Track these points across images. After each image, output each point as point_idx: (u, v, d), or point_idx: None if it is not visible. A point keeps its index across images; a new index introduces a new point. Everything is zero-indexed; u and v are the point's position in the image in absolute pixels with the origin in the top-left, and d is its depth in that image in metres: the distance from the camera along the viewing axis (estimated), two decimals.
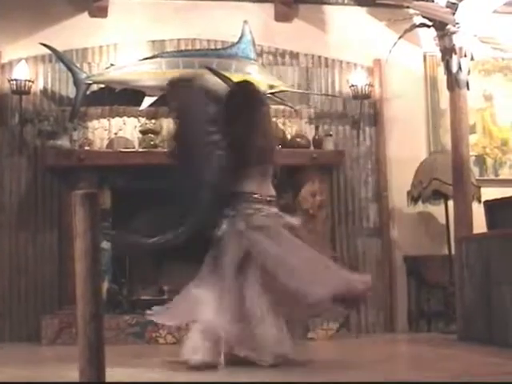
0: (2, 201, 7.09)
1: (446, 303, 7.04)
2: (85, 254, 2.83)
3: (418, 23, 6.63)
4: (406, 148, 7.62)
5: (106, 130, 7.29)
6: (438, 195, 7.19)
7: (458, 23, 6.23)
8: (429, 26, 6.47)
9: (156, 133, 7.21)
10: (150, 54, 7.36)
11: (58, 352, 5.94)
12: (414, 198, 7.28)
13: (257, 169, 4.94)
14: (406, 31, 6.62)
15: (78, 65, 7.25)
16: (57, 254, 7.01)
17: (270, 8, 7.74)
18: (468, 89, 6.36)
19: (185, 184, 4.89)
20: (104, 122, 7.30)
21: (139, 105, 7.20)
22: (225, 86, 6.37)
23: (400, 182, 7.47)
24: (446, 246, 7.08)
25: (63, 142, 6.95)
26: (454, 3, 6.25)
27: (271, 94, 7.27)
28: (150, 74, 7.21)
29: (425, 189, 7.12)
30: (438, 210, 7.46)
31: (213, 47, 7.52)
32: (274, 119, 7.41)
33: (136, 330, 6.54)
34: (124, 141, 7.18)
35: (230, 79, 7.07)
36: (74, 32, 7.36)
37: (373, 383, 3.95)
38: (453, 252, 6.64)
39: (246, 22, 7.39)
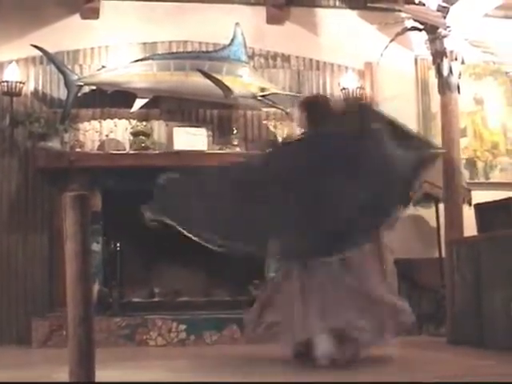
0: None
1: (437, 306, 7.04)
2: (75, 256, 2.83)
3: (409, 26, 6.64)
4: None
5: (97, 131, 7.29)
6: (429, 198, 7.19)
7: (448, 27, 6.25)
8: (420, 30, 6.48)
9: (147, 135, 7.20)
10: (141, 56, 7.36)
11: (49, 354, 5.92)
12: None
13: None
14: (397, 34, 6.64)
15: (70, 66, 7.25)
16: (47, 256, 6.99)
17: (261, 11, 7.75)
18: (459, 92, 6.38)
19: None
20: (95, 123, 7.31)
21: (130, 107, 7.21)
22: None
23: None
24: (437, 249, 7.09)
25: (54, 143, 6.95)
26: (445, 7, 6.26)
27: (262, 96, 7.28)
28: (142, 75, 7.22)
29: (415, 192, 7.11)
30: (428, 213, 7.47)
31: (204, 49, 7.53)
32: (264, 122, 7.48)
33: (126, 332, 6.53)
34: (115, 143, 7.19)
35: (221, 81, 7.09)
36: (66, 34, 7.36)
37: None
38: (443, 255, 6.65)
39: (237, 24, 7.39)
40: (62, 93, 7.24)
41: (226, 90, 7.13)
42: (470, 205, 6.92)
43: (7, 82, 6.99)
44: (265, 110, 7.49)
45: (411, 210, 7.42)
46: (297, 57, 7.73)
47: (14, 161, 7.15)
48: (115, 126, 7.32)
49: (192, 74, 7.20)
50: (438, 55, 6.34)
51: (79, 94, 7.20)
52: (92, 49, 7.42)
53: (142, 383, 4.13)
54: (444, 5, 6.26)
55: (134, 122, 7.28)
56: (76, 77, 7.18)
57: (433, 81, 6.96)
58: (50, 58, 7.16)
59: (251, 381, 4.03)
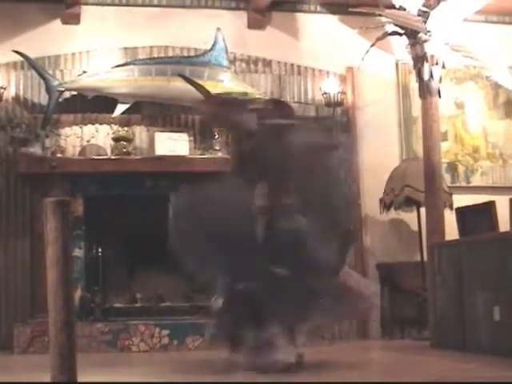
0: None
1: (419, 310, 7.06)
2: (56, 261, 2.82)
3: (390, 31, 6.66)
4: (379, 155, 7.63)
5: (78, 137, 7.27)
6: (411, 202, 7.22)
7: (429, 31, 6.27)
8: (401, 34, 6.50)
9: (128, 140, 7.19)
10: (122, 61, 7.34)
11: (31, 360, 5.90)
12: (386, 205, 7.30)
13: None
14: (378, 39, 6.65)
15: (51, 72, 7.22)
16: (29, 262, 6.96)
17: (243, 16, 7.75)
18: (440, 96, 6.40)
19: None
20: (76, 129, 7.28)
21: (112, 112, 7.19)
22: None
23: (372, 189, 7.49)
24: (419, 253, 7.10)
25: (35, 149, 6.92)
26: (425, 12, 6.28)
27: None
28: (123, 81, 7.20)
29: (397, 196, 7.14)
30: (410, 217, 7.49)
31: (185, 55, 7.52)
32: None
33: (109, 337, 6.51)
34: (96, 148, 7.17)
35: (202, 87, 7.08)
36: (47, 39, 7.33)
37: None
38: (425, 259, 6.66)
39: (219, 29, 7.40)
40: (43, 98, 7.21)
41: (208, 95, 7.12)
42: (452, 209, 6.95)
43: None
44: None
45: (393, 215, 7.47)
46: (278, 62, 7.73)
47: None
48: (96, 131, 7.30)
49: (173, 80, 7.19)
50: (419, 60, 6.36)
51: (60, 100, 7.17)
52: (73, 54, 7.40)
53: (124, 383, 4.13)
54: (424, 9, 6.29)
55: (115, 127, 7.27)
56: (57, 82, 7.15)
57: (414, 85, 6.97)
58: (31, 64, 7.13)
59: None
